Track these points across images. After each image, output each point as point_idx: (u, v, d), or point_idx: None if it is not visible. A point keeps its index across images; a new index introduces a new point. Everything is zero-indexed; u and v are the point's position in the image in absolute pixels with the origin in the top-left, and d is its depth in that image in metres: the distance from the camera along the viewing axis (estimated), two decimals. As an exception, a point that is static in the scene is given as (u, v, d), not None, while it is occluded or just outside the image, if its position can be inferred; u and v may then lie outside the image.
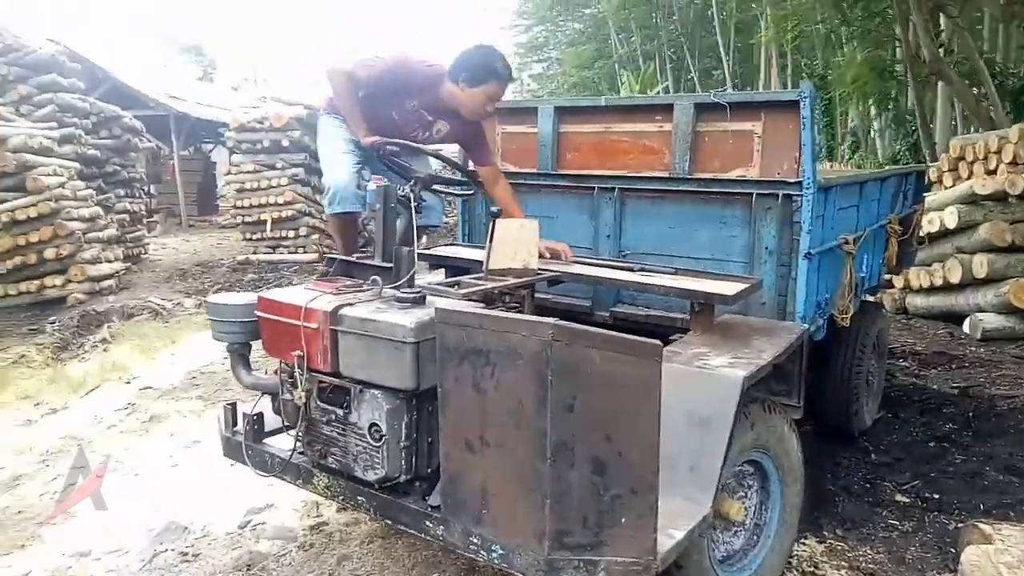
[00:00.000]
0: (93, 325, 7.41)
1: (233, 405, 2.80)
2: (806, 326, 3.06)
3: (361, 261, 2.89)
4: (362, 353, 2.26)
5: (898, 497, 3.68)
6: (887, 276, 6.76)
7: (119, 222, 10.76)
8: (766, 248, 3.18)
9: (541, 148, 3.71)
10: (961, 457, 4.13)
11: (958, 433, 4.45)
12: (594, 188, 3.54)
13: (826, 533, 3.29)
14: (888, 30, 15.00)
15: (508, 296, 2.95)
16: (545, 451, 1.95)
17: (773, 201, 3.13)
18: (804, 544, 3.18)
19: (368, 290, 2.50)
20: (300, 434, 2.45)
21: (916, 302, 7.47)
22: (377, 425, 2.26)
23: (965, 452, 4.18)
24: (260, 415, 2.73)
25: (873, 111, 17.12)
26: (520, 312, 2.92)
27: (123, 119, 11.43)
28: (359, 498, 2.41)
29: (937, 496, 3.63)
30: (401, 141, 3.10)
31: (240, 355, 2.70)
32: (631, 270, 3.21)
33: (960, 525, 3.29)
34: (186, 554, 3.16)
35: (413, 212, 2.93)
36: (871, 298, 4.83)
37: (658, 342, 1.97)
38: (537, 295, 3.62)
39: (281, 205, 11.46)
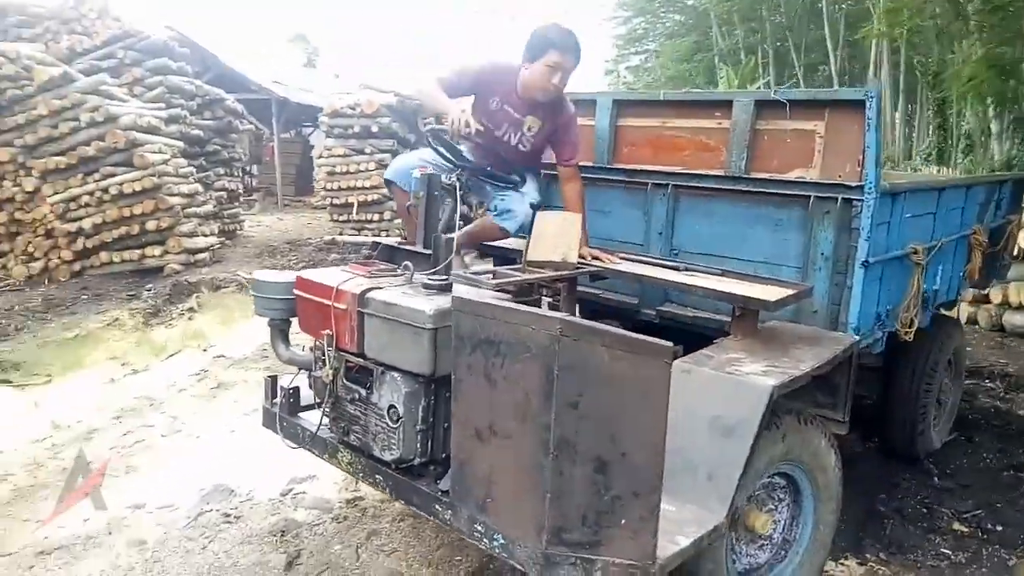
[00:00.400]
0: (183, 294, 7.82)
1: (274, 378, 2.91)
2: (856, 338, 2.92)
3: (403, 247, 2.96)
4: (385, 336, 2.31)
5: (956, 525, 3.48)
6: (982, 291, 6.38)
7: (217, 199, 11.30)
8: (822, 254, 3.04)
9: (598, 141, 3.67)
10: (1036, 489, 3.86)
11: (1037, 463, 4.16)
12: (647, 184, 3.48)
13: (869, 555, 3.14)
14: (1014, 24, 13.97)
15: (545, 289, 2.94)
16: (548, 446, 1.95)
17: (832, 205, 2.99)
18: (843, 564, 3.05)
19: (400, 275, 2.55)
20: (326, 410, 2.52)
21: (1014, 320, 6.99)
22: (395, 407, 2.30)
23: (1042, 484, 3.91)
24: (296, 389, 2.83)
25: (991, 112, 16.02)
26: (556, 306, 2.92)
27: (225, 102, 11.97)
28: (377, 476, 2.47)
29: (1000, 528, 3.41)
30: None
31: (280, 330, 2.80)
32: (677, 269, 3.15)
33: (1020, 560, 3.08)
34: (228, 515, 3.32)
35: (458, 200, 2.98)
36: (948, 312, 4.54)
37: (669, 343, 1.92)
38: (585, 289, 3.60)
39: (367, 189, 11.79)
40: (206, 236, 10.15)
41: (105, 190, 9.15)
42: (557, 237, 3.00)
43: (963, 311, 7.44)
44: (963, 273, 4.13)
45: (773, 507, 2.73)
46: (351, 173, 11.90)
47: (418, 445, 2.31)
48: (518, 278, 2.77)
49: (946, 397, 4.46)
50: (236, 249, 11.12)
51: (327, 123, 12.24)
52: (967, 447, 4.39)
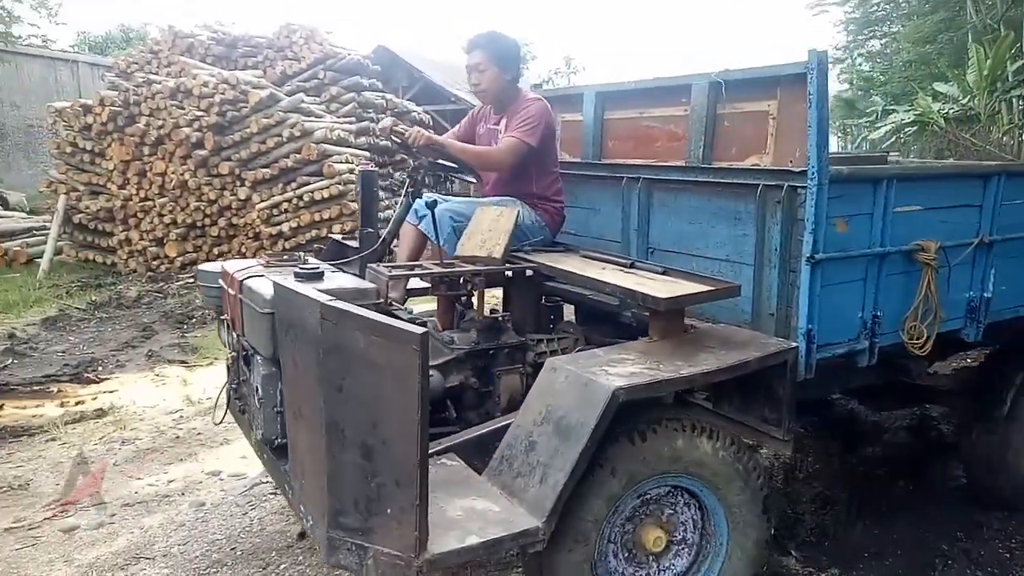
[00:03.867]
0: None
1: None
2: (793, 345, 2.56)
3: (346, 242, 3.13)
4: (249, 320, 2.49)
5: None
6: None
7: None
8: (775, 249, 2.72)
9: (584, 136, 3.56)
10: None
11: None
12: (623, 178, 3.31)
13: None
14: None
15: (469, 283, 2.94)
16: (322, 429, 2.00)
17: (781, 194, 2.67)
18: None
19: (294, 264, 2.71)
20: (231, 389, 2.76)
21: None
22: (258, 389, 2.47)
23: None
24: (245, 371, 3.09)
25: None
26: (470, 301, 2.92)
27: (412, 113, 12.93)
28: (263, 455, 2.65)
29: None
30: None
31: (222, 317, 3.08)
32: (623, 267, 2.98)
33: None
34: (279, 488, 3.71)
35: (406, 195, 3.09)
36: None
37: (420, 329, 1.88)
38: (578, 291, 3.49)
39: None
40: (385, 238, 11.05)
41: (300, 197, 10.29)
42: (488, 233, 2.98)
43: None
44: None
45: (682, 525, 2.50)
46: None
47: (277, 426, 2.45)
48: (423, 272, 2.81)
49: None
50: (416, 248, 11.93)
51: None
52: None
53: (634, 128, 3.36)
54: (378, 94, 12.40)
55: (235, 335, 2.69)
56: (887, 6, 24.49)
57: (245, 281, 2.55)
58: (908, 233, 2.81)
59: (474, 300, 3.00)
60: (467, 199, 3.39)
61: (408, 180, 3.17)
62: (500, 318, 2.98)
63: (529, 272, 3.12)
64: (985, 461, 3.61)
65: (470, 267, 2.87)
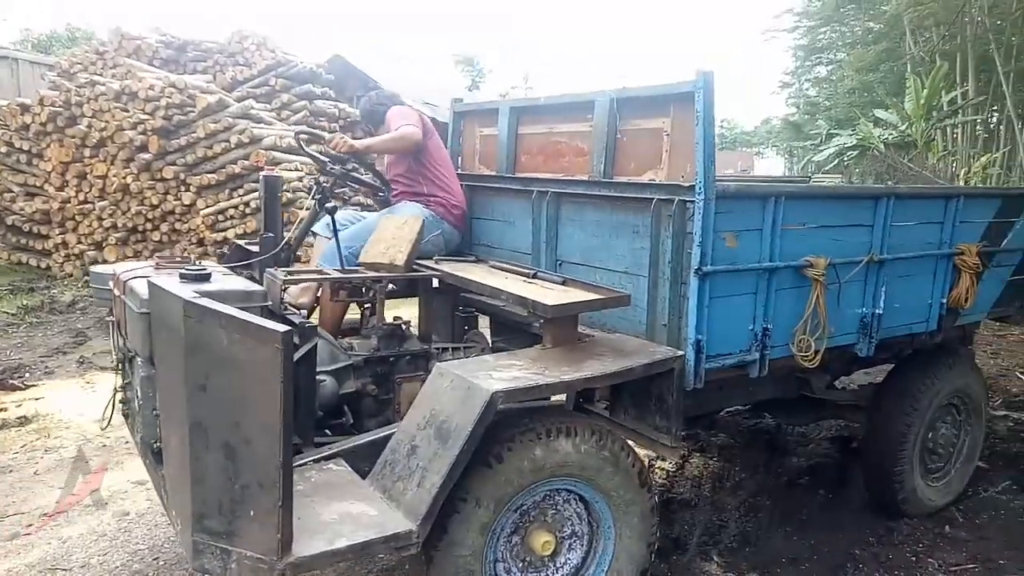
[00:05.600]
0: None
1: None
2: (679, 353, 2.61)
3: (248, 247, 3.11)
4: (129, 321, 2.45)
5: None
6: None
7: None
8: (668, 262, 2.77)
9: (499, 150, 3.59)
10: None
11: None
12: (533, 192, 3.35)
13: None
14: None
15: (369, 290, 2.94)
16: (186, 429, 1.97)
17: (672, 208, 2.72)
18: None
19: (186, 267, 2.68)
20: (116, 392, 2.71)
21: None
22: (137, 391, 2.43)
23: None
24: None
25: None
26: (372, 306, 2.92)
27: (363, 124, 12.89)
28: (146, 459, 2.60)
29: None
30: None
31: (108, 319, 3.02)
32: (527, 276, 3.01)
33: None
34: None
35: (314, 201, 3.09)
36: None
37: (281, 327, 1.87)
38: (492, 303, 3.50)
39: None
40: (328, 246, 10.95)
41: (247, 204, 10.12)
42: (391, 241, 2.99)
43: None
44: (945, 297, 3.50)
45: (571, 529, 2.53)
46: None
47: (156, 429, 2.40)
48: (319, 277, 2.81)
49: (947, 447, 3.80)
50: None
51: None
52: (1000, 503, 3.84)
53: (545, 143, 3.40)
54: (331, 103, 12.31)
55: (122, 337, 2.64)
56: (833, 35, 25.34)
57: (128, 282, 2.51)
58: (799, 249, 2.89)
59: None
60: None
61: (316, 187, 3.17)
62: (402, 326, 2.98)
63: (436, 283, 3.14)
64: (872, 474, 3.74)
65: (370, 273, 2.87)
